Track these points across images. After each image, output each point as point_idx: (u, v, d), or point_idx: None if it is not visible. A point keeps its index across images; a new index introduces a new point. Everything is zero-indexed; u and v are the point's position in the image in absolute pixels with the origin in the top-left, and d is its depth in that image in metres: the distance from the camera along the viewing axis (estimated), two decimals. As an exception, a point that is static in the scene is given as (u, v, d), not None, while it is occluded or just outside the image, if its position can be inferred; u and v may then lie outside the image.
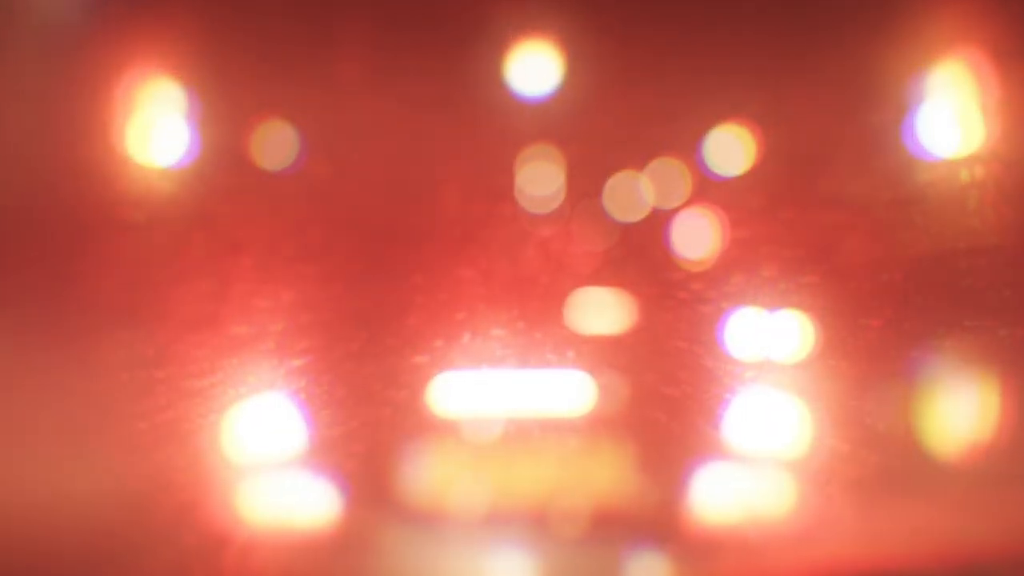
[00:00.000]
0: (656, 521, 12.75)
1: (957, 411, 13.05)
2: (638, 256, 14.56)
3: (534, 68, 12.95)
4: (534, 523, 12.88)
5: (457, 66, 13.25)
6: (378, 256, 13.13)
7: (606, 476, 12.99)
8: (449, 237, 13.45)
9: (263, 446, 11.83)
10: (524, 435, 13.56)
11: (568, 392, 13.76)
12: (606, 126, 13.72)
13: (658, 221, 14.39)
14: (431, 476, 13.38)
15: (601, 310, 13.85)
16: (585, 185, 14.03)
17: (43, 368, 10.77)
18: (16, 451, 10.48)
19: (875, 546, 12.23)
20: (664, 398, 14.27)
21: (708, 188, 14.17)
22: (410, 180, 13.12)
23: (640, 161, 14.10)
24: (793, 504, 12.49)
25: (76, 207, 11.33)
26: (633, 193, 13.98)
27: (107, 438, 10.59)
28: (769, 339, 13.58)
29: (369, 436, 13.03)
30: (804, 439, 13.19)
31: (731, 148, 13.86)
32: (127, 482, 10.34)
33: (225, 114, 12.41)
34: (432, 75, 13.19)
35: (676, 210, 14.61)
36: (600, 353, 13.90)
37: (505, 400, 13.66)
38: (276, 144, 12.61)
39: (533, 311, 13.90)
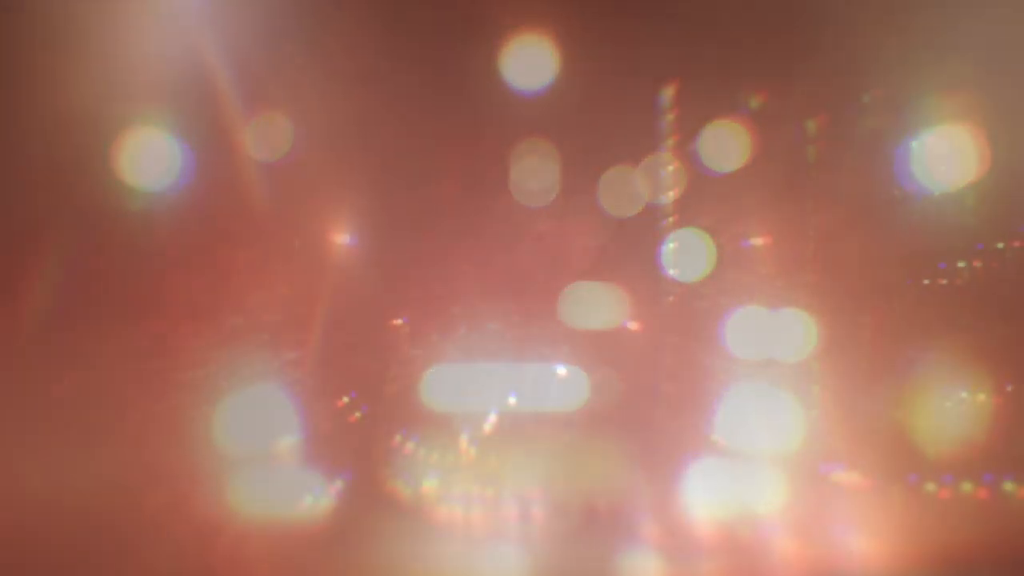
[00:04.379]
0: (650, 516, 12.71)
1: (952, 410, 12.96)
2: (634, 251, 14.46)
3: (530, 63, 12.89)
4: (527, 516, 12.82)
5: (452, 61, 13.13)
6: (374, 249, 13.08)
7: (600, 471, 12.95)
8: (445, 230, 13.37)
9: (257, 438, 11.77)
10: (518, 429, 13.51)
11: (563, 387, 13.68)
12: (603, 121, 13.64)
13: (655, 217, 14.31)
14: (424, 468, 13.31)
15: (597, 305, 13.78)
16: (582, 179, 13.93)
17: (39, 360, 10.68)
18: (11, 441, 10.40)
19: (870, 544, 12.17)
20: (660, 394, 14.16)
21: (705, 184, 14.10)
22: (407, 173, 13.05)
23: (637, 156, 14.04)
24: (788, 501, 12.46)
25: (71, 201, 11.26)
26: (630, 188, 13.93)
27: (102, 428, 10.53)
28: (766, 337, 13.52)
29: (364, 429, 12.98)
30: (800, 437, 13.14)
31: (728, 144, 13.79)
32: (122, 472, 10.28)
33: (222, 107, 12.33)
34: (426, 71, 13.06)
35: (673, 206, 14.54)
36: (596, 348, 13.84)
37: (500, 394, 13.58)
38: (272, 137, 12.56)
39: (529, 305, 13.81)
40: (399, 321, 13.06)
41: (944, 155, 12.73)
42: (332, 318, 12.29)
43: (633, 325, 14.52)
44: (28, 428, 10.72)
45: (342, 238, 12.73)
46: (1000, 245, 13.31)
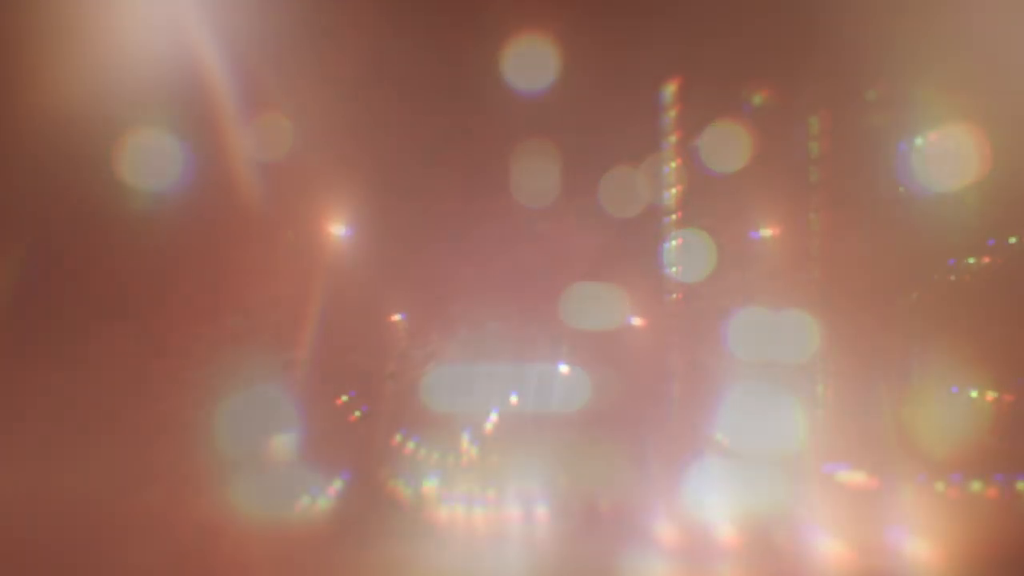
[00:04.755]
0: (652, 517, 12.61)
1: (959, 409, 12.77)
2: (636, 251, 14.33)
3: (532, 63, 12.76)
4: (528, 516, 12.70)
5: (455, 60, 13.00)
6: (373, 250, 12.98)
7: (602, 471, 12.85)
8: (446, 227, 13.23)
9: (256, 437, 11.64)
10: (519, 429, 13.42)
11: (565, 386, 13.59)
12: (605, 120, 13.54)
13: (657, 216, 14.18)
14: (425, 468, 13.21)
15: (599, 305, 13.66)
16: (583, 179, 13.82)
17: (41, 360, 10.54)
18: (13, 441, 10.28)
19: (872, 545, 12.02)
20: (663, 394, 14.00)
21: (708, 183, 13.98)
22: (408, 172, 12.93)
23: (639, 156, 13.93)
24: (791, 501, 12.35)
25: (75, 201, 11.16)
26: (632, 188, 13.82)
27: (101, 428, 10.44)
28: (770, 337, 13.37)
29: (363, 428, 12.86)
30: (803, 437, 13.00)
31: (731, 143, 13.67)
32: (122, 472, 10.22)
33: (223, 108, 12.17)
34: (428, 69, 12.94)
35: (676, 204, 14.43)
36: (597, 348, 13.71)
37: (501, 393, 13.49)
38: (273, 138, 12.43)
39: (530, 305, 13.71)
40: (397, 317, 12.97)
41: (952, 151, 12.63)
42: (331, 316, 12.19)
43: (636, 326, 14.46)
44: (29, 427, 10.67)
45: (341, 235, 12.58)
46: (1013, 240, 13.18)
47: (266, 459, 11.51)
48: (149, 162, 11.67)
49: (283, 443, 11.65)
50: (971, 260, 13.29)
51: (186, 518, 10.20)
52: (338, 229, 12.99)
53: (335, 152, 12.30)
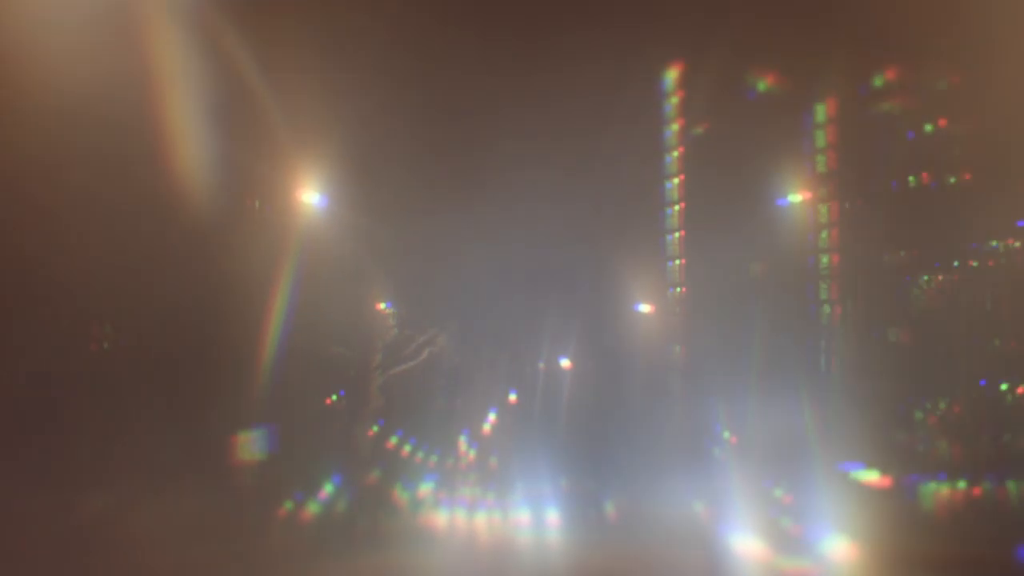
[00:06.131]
0: (657, 517, 12.17)
1: (990, 404, 12.13)
2: (641, 242, 14.01)
3: (533, 48, 12.35)
4: (530, 521, 12.31)
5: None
6: (360, 233, 12.75)
7: (605, 470, 12.42)
8: (441, 222, 13.00)
9: (224, 435, 11.43)
10: (519, 427, 13.07)
11: (566, 382, 13.23)
12: (607, 109, 13.16)
13: (661, 206, 13.81)
14: (422, 470, 12.83)
15: (600, 297, 13.29)
16: (583, 170, 13.51)
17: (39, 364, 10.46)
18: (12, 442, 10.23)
19: (886, 543, 11.44)
20: (671, 389, 13.54)
21: (714, 170, 13.56)
22: (403, 152, 12.69)
23: (640, 145, 13.60)
24: (803, 499, 11.81)
25: (37, 191, 11.14)
26: (633, 178, 13.49)
27: (55, 427, 10.37)
28: (780, 330, 12.88)
29: (350, 427, 12.61)
30: (818, 433, 12.45)
31: (737, 129, 13.24)
32: (74, 474, 10.11)
33: (234, 109, 12.07)
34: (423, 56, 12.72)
35: (680, 193, 14.01)
36: (600, 342, 13.34)
37: (499, 390, 13.18)
38: (274, 143, 12.30)
39: (529, 295, 13.37)
40: (384, 306, 12.59)
41: (965, 136, 12.03)
42: (312, 303, 11.88)
43: (639, 320, 13.98)
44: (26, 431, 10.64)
45: (323, 214, 12.14)
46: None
47: (232, 458, 11.07)
48: (117, 150, 11.51)
49: (252, 441, 11.20)
50: (994, 243, 12.51)
51: (141, 526, 9.95)
52: (317, 206, 12.34)
53: (319, 120, 11.94)
